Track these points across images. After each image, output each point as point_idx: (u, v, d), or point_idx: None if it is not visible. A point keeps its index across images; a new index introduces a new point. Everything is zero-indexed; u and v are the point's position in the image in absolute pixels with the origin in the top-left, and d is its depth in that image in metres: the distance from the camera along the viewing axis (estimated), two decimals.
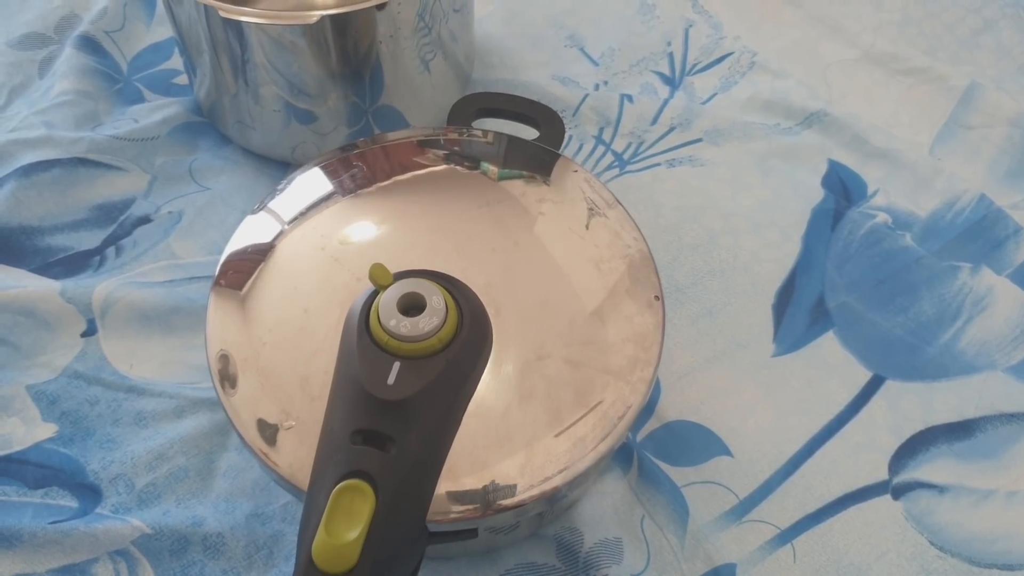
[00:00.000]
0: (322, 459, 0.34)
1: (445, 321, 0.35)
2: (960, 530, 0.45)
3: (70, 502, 0.45)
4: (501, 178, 0.44)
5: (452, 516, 0.34)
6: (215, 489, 0.46)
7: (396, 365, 0.34)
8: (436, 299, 0.35)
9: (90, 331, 0.51)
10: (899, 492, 0.47)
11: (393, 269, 0.36)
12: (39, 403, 0.49)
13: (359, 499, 0.31)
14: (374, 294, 0.36)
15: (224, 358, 0.38)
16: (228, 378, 0.37)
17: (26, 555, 0.43)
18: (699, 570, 0.44)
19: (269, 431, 0.36)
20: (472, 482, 0.34)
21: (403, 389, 0.33)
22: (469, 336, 0.36)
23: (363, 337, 0.35)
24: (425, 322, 0.34)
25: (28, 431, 0.48)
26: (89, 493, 0.46)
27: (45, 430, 0.48)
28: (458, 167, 0.44)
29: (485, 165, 0.44)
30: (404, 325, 0.34)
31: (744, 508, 0.46)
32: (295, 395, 0.36)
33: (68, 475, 0.46)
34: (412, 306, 0.35)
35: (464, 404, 0.35)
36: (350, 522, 0.31)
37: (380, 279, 0.35)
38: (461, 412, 0.35)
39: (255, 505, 0.45)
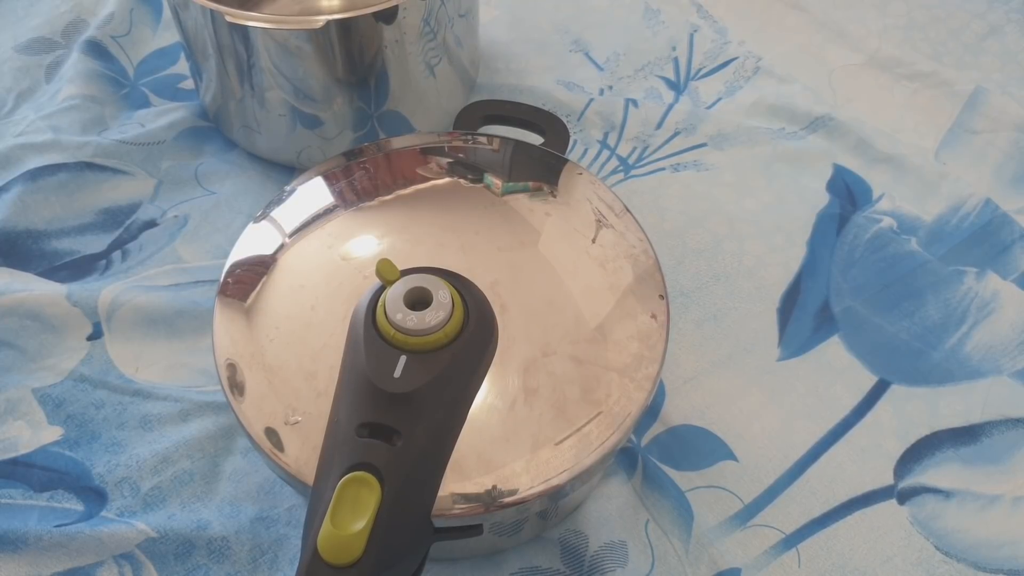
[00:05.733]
0: (328, 452, 0.34)
1: (451, 316, 0.35)
2: (966, 535, 0.45)
3: (75, 505, 0.45)
4: (507, 182, 0.44)
5: (457, 511, 0.34)
6: (220, 493, 0.46)
7: (402, 359, 0.34)
8: (442, 294, 0.35)
9: (96, 334, 0.51)
10: (905, 497, 0.47)
11: (400, 267, 0.36)
12: (45, 406, 0.49)
13: (365, 491, 0.32)
14: (381, 289, 0.36)
15: (231, 354, 0.38)
16: (235, 375, 0.37)
17: (31, 558, 0.43)
18: (704, 574, 0.44)
19: (275, 426, 0.36)
20: (477, 477, 0.34)
21: (409, 382, 0.34)
22: (475, 331, 0.36)
23: (370, 331, 0.35)
24: (431, 316, 0.35)
25: (34, 434, 0.48)
26: (94, 496, 0.46)
27: (51, 433, 0.48)
28: (464, 171, 0.44)
29: (491, 169, 0.44)
30: (411, 319, 0.35)
31: (749, 513, 0.46)
32: (302, 390, 0.36)
33: (73, 478, 0.46)
34: (418, 301, 0.36)
35: (470, 399, 0.35)
36: (356, 514, 0.31)
37: (387, 274, 0.35)
38: (467, 406, 0.35)
39: (260, 509, 0.45)
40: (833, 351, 0.52)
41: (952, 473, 0.47)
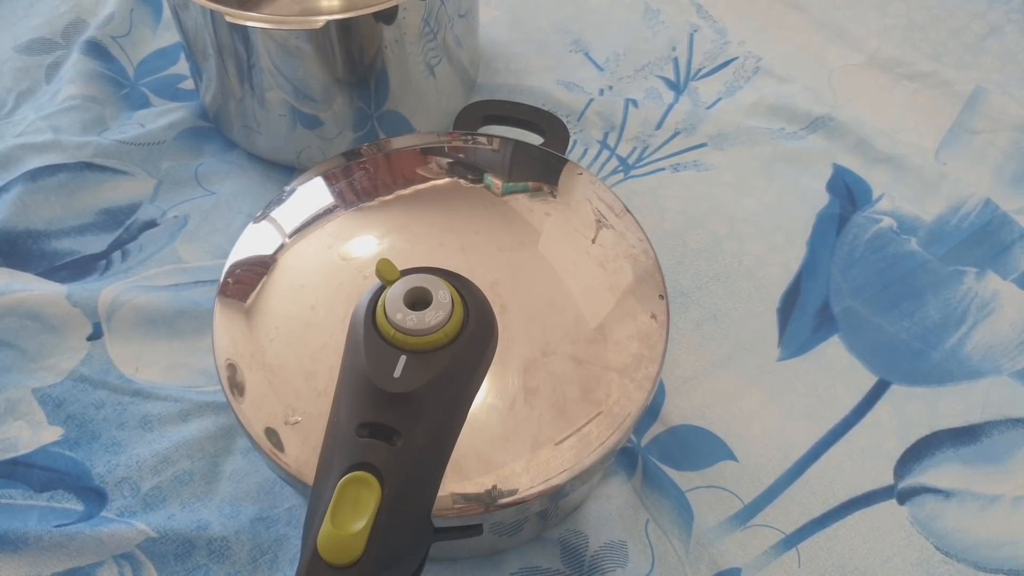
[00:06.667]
0: (328, 452, 0.34)
1: (451, 316, 0.35)
2: (966, 535, 0.45)
3: (75, 505, 0.45)
4: (507, 182, 0.44)
5: (457, 511, 0.34)
6: (220, 493, 0.46)
7: (402, 359, 0.34)
8: (442, 294, 0.35)
9: (96, 335, 0.51)
10: (905, 497, 0.47)
11: (400, 267, 0.36)
12: (45, 406, 0.49)
13: (365, 491, 0.32)
14: (380, 289, 0.36)
15: (231, 354, 0.38)
16: (235, 375, 0.37)
17: (31, 558, 0.43)
18: (704, 574, 0.44)
19: (275, 426, 0.36)
20: (477, 477, 0.34)
21: (409, 382, 0.34)
22: (475, 331, 0.36)
23: (369, 331, 0.35)
24: (431, 316, 0.35)
25: (34, 434, 0.48)
26: (94, 496, 0.46)
27: (51, 433, 0.48)
28: (464, 171, 0.44)
29: (491, 169, 0.44)
30: (410, 319, 0.35)
31: (749, 513, 0.46)
32: (302, 390, 0.36)
33: (73, 478, 0.46)
34: (418, 301, 0.36)
35: (470, 398, 0.35)
36: (356, 514, 0.31)
37: (387, 274, 0.35)
38: (467, 406, 0.35)
39: (260, 509, 0.45)
40: (833, 351, 0.52)
41: (952, 473, 0.47)
